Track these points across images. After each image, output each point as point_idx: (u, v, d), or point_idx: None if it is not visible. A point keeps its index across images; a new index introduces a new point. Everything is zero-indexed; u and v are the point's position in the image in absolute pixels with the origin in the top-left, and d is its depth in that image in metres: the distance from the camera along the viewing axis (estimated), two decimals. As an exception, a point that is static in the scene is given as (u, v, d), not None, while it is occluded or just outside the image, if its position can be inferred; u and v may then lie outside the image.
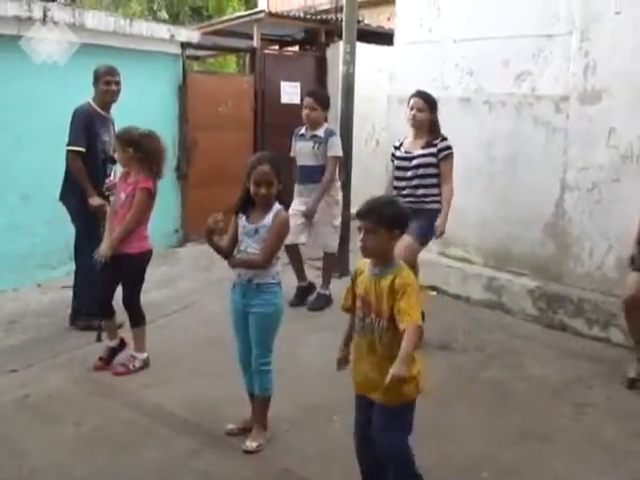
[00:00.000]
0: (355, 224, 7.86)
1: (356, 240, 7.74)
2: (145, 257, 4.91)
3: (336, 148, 6.36)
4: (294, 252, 6.47)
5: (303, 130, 6.45)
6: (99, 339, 5.25)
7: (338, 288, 6.71)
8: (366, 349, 3.14)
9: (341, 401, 4.28)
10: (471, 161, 6.50)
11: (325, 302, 6.42)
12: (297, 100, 9.36)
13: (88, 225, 5.38)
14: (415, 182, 5.41)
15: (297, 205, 6.30)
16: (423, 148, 5.46)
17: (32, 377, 4.73)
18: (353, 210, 7.59)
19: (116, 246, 4.72)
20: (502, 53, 6.35)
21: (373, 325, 3.09)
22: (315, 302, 6.41)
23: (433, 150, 5.42)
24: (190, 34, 8.46)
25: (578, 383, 4.93)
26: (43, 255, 6.87)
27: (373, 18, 12.56)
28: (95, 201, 5.35)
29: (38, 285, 6.72)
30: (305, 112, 6.35)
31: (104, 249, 4.73)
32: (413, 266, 5.29)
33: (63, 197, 5.69)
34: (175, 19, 17.70)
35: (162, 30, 8.00)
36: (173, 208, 8.54)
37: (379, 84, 8.52)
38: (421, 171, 5.42)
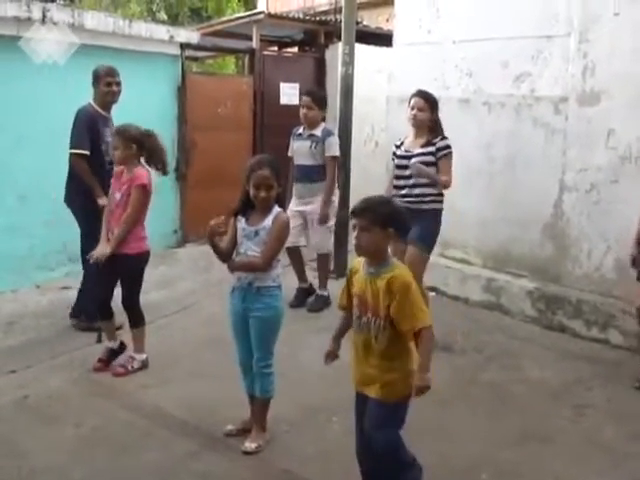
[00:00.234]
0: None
1: (353, 236, 7.73)
2: (143, 257, 4.90)
3: (334, 148, 6.36)
4: (295, 254, 6.48)
5: (300, 130, 6.46)
6: (99, 340, 5.24)
7: (337, 289, 6.71)
8: (362, 347, 3.17)
9: (340, 402, 4.29)
10: (470, 162, 6.50)
11: (324, 303, 6.42)
12: (296, 101, 9.34)
13: (93, 227, 5.36)
14: (412, 181, 5.40)
15: (295, 206, 6.31)
16: (422, 147, 5.45)
17: (31, 378, 4.73)
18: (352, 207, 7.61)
19: (116, 246, 4.71)
20: (501, 54, 6.35)
21: (369, 324, 3.11)
22: (314, 303, 6.41)
23: (432, 149, 5.40)
24: (189, 35, 8.46)
25: (577, 385, 4.93)
26: (42, 256, 6.86)
27: (372, 19, 12.57)
28: (103, 201, 5.31)
29: (37, 286, 6.72)
30: (302, 111, 6.35)
31: (101, 250, 4.72)
32: (421, 278, 5.31)
33: (67, 199, 5.66)
34: (174, 20, 17.69)
35: (161, 31, 7.99)
36: (172, 209, 8.54)
37: (378, 85, 8.52)
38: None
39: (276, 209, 3.77)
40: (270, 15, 10.02)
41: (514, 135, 6.38)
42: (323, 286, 6.54)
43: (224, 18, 12.54)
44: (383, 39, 9.60)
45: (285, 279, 4.08)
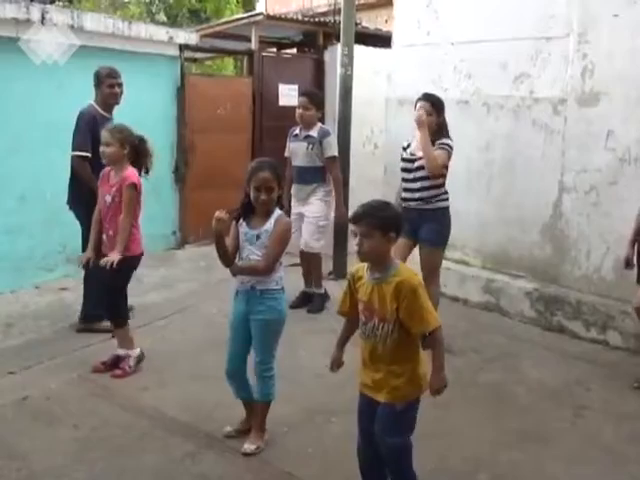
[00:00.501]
0: (352, 227, 7.84)
1: (354, 243, 7.72)
2: (136, 260, 4.85)
3: (333, 148, 6.35)
4: (307, 259, 6.48)
5: (297, 130, 6.44)
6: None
7: (336, 290, 6.71)
8: (370, 352, 3.15)
9: (340, 403, 4.31)
10: (469, 163, 6.51)
11: (322, 301, 6.43)
12: (295, 102, 9.35)
13: None
14: (418, 185, 5.38)
15: (295, 208, 6.30)
16: None
17: (30, 379, 4.72)
18: (351, 213, 7.61)
19: (122, 249, 4.68)
20: (500, 55, 6.36)
21: (376, 329, 3.09)
22: (313, 304, 6.40)
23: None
24: (188, 36, 8.45)
25: (576, 385, 4.94)
26: (41, 257, 6.86)
27: (371, 20, 12.60)
28: None
29: (36, 287, 6.71)
30: (299, 112, 6.34)
31: (112, 257, 4.64)
32: (438, 277, 5.41)
33: (70, 202, 5.65)
34: (173, 21, 17.70)
35: (160, 32, 7.99)
36: (171, 210, 8.54)
37: (377, 86, 8.52)
38: (422, 173, 5.39)
39: (277, 212, 3.75)
40: (269, 16, 10.03)
41: (513, 136, 6.38)
42: (318, 285, 6.53)
43: (223, 19, 12.57)
44: (382, 40, 9.63)
45: (289, 280, 4.07)
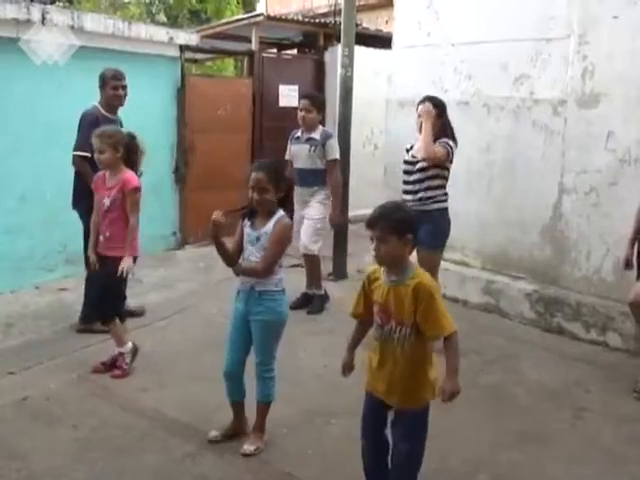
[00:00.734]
0: (352, 227, 7.86)
1: (354, 243, 7.77)
2: (134, 260, 4.86)
3: (335, 151, 6.35)
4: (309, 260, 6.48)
5: (299, 133, 6.43)
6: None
7: (336, 291, 6.74)
8: (386, 356, 3.12)
9: (339, 405, 4.31)
10: (469, 164, 6.51)
11: (322, 302, 6.43)
12: (295, 103, 9.33)
13: None
14: (417, 186, 5.38)
15: (297, 211, 6.30)
16: None
17: (30, 379, 4.72)
18: (351, 214, 7.61)
19: (130, 251, 4.71)
20: (500, 57, 6.36)
21: (393, 332, 3.07)
22: (313, 306, 6.40)
23: None
24: (189, 37, 8.46)
25: (576, 387, 4.94)
26: (41, 257, 6.87)
27: (372, 21, 12.62)
28: None
29: (36, 287, 6.71)
30: (301, 114, 6.33)
31: (127, 263, 4.68)
32: (435, 279, 5.28)
33: (74, 202, 5.65)
34: (173, 22, 17.70)
35: (161, 33, 8.00)
36: (171, 211, 8.54)
37: (377, 87, 8.53)
38: (422, 175, 5.38)
39: (279, 214, 3.74)
40: (269, 17, 10.05)
41: (513, 137, 6.39)
42: (318, 286, 6.53)
43: (223, 20, 12.57)
44: (382, 41, 9.64)
45: (290, 281, 4.07)
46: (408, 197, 5.41)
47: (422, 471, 3.20)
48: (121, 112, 5.78)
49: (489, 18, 6.47)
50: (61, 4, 12.66)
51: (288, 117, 8.51)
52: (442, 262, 6.16)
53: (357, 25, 8.37)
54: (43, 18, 6.49)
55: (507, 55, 6.32)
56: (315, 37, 10.50)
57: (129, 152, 4.84)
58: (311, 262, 6.49)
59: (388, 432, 3.21)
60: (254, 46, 9.65)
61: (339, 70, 7.56)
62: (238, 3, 19.17)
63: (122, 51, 7.36)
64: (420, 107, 5.38)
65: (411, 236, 3.04)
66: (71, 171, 5.60)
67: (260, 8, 16.72)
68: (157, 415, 4.27)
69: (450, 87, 6.79)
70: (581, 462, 3.91)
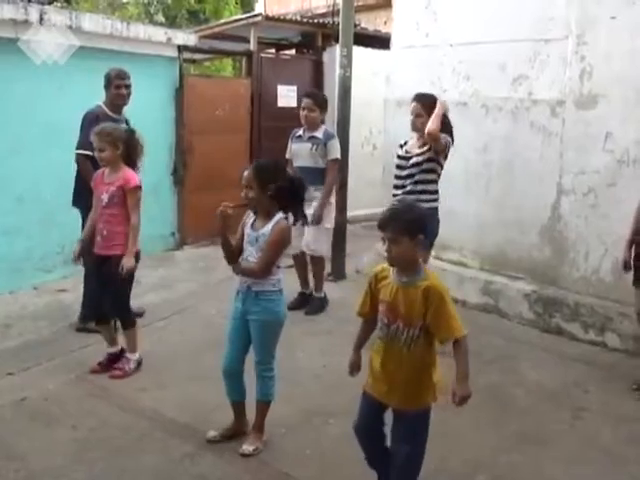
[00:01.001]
0: (350, 227, 7.85)
1: (352, 244, 7.76)
2: (138, 256, 4.85)
3: (336, 151, 6.35)
4: (300, 259, 6.46)
5: (300, 131, 6.42)
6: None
7: (335, 292, 6.74)
8: (390, 356, 3.11)
9: (337, 405, 4.31)
10: (467, 165, 6.52)
11: (321, 305, 6.42)
12: (294, 103, 9.38)
13: None
14: (408, 181, 5.40)
15: None
16: (420, 148, 5.45)
17: (29, 380, 4.72)
18: (350, 214, 7.62)
19: (133, 254, 4.70)
20: (499, 57, 6.37)
21: (400, 333, 3.06)
22: (311, 306, 6.40)
23: (428, 147, 5.39)
24: (187, 37, 8.45)
25: (575, 387, 4.94)
26: (39, 258, 6.86)
27: (370, 22, 12.62)
28: None
29: (34, 288, 6.70)
30: (303, 113, 6.32)
31: (129, 263, 4.67)
32: None
33: (74, 200, 5.65)
34: (172, 22, 17.67)
35: (159, 33, 7.99)
36: (170, 211, 8.53)
37: (376, 88, 8.54)
38: (414, 170, 5.38)
39: (278, 216, 3.74)
40: (268, 17, 10.04)
41: (511, 138, 6.39)
42: (319, 289, 6.52)
43: (222, 20, 12.56)
44: (381, 42, 9.65)
45: (287, 282, 4.07)
46: (399, 192, 5.42)
47: (422, 471, 3.20)
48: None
49: (487, 19, 6.48)
50: (59, 4, 12.64)
51: (286, 117, 8.52)
52: (440, 262, 6.19)
53: (355, 25, 8.39)
54: (41, 18, 6.47)
55: (505, 56, 6.33)
56: (313, 37, 10.50)
57: (129, 148, 4.84)
58: (315, 264, 6.50)
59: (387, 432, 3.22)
60: (252, 46, 9.65)
61: (337, 70, 7.56)
62: (236, 3, 19.15)
63: (120, 51, 7.35)
64: (413, 105, 5.41)
65: (423, 237, 3.03)
66: (71, 171, 5.60)
67: (258, 8, 16.71)
68: (156, 415, 4.27)
69: (448, 87, 6.79)
70: (580, 462, 3.92)
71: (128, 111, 5.81)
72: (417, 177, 5.39)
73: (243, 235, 3.82)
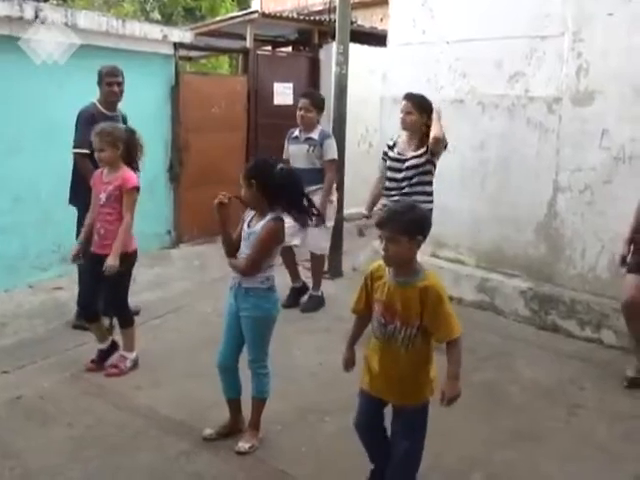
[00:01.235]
0: (347, 225, 7.85)
1: (349, 242, 7.76)
2: (131, 256, 4.83)
3: (333, 151, 6.33)
4: (288, 254, 6.45)
5: (296, 132, 6.40)
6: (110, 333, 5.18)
7: (331, 289, 6.74)
8: (387, 355, 3.11)
9: (333, 402, 4.31)
10: (464, 162, 6.52)
11: (318, 303, 6.42)
12: (290, 101, 9.38)
13: None
14: (405, 184, 5.40)
15: None
16: (415, 150, 5.45)
17: (24, 378, 4.71)
18: (347, 212, 7.61)
19: (118, 254, 4.66)
20: (495, 54, 6.36)
21: (398, 333, 3.06)
22: (308, 304, 6.40)
23: (425, 150, 5.40)
24: (183, 34, 8.42)
25: (570, 384, 4.94)
26: (35, 257, 6.84)
27: (366, 19, 12.58)
28: None
29: (30, 286, 6.69)
30: (300, 113, 6.30)
31: (112, 262, 4.61)
32: None
33: (71, 198, 5.64)
34: (168, 20, 17.64)
35: (155, 30, 7.96)
36: (165, 209, 8.51)
37: (372, 85, 8.52)
38: (412, 172, 5.38)
39: (270, 215, 3.73)
40: (264, 15, 10.01)
41: (508, 135, 6.39)
42: (317, 287, 6.52)
43: (218, 18, 12.53)
44: (377, 39, 9.63)
45: (278, 277, 4.06)
46: (393, 193, 5.43)
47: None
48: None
49: (483, 16, 6.47)
50: (55, 2, 12.61)
51: (283, 115, 8.52)
52: (436, 260, 6.18)
53: (352, 23, 8.36)
54: (36, 16, 6.44)
55: (502, 53, 6.33)
56: (310, 35, 10.47)
57: (129, 148, 4.83)
58: (315, 261, 6.53)
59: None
60: (249, 44, 9.63)
61: (334, 68, 7.55)
62: (233, 0, 19.12)
63: (116, 49, 7.32)
64: (403, 103, 5.45)
65: (422, 238, 3.03)
66: (68, 170, 5.58)
67: (255, 5, 16.62)
68: (151, 413, 4.27)
69: (445, 85, 6.79)
70: (575, 459, 3.92)
71: (124, 108, 5.80)
72: (415, 179, 5.40)
73: (240, 232, 3.84)
